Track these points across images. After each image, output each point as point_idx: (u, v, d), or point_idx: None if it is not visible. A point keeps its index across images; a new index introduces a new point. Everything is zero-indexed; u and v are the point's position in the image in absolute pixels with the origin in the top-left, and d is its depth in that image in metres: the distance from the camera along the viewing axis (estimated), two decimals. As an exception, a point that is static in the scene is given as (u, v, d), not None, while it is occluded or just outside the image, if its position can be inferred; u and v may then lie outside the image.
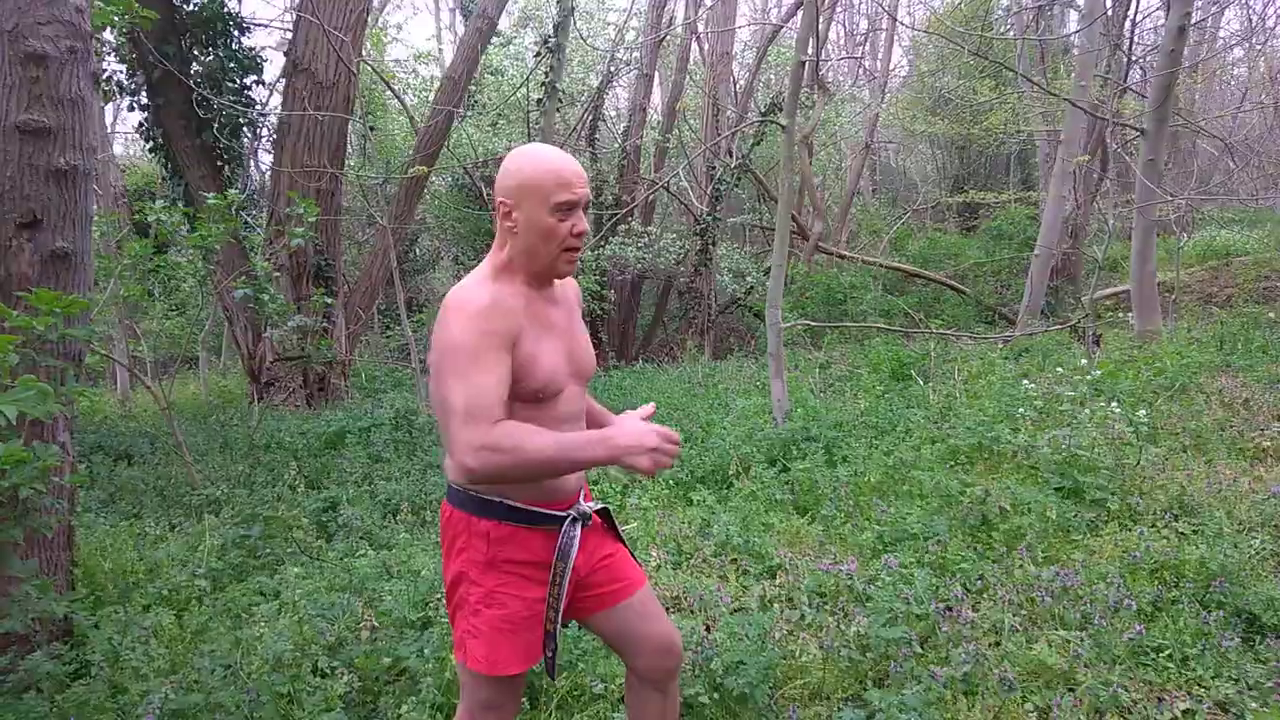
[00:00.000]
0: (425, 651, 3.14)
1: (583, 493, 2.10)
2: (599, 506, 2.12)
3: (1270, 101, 16.46)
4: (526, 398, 1.87)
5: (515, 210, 1.89)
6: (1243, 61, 20.60)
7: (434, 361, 1.82)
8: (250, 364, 9.80)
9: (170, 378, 6.98)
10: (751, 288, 15.17)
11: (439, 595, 3.58)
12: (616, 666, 3.03)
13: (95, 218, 3.95)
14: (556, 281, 2.04)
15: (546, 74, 7.85)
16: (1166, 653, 2.98)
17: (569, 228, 1.88)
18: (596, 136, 15.33)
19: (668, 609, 3.60)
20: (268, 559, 4.57)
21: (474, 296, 1.84)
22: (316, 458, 6.80)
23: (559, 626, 1.98)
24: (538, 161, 1.88)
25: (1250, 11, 20.31)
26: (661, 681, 2.16)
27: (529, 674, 2.40)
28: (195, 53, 9.66)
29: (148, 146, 10.03)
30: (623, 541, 2.20)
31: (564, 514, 1.99)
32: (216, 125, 9.43)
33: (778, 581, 3.76)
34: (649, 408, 2.03)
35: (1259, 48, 18.96)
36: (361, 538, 4.81)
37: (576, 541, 1.98)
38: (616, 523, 2.20)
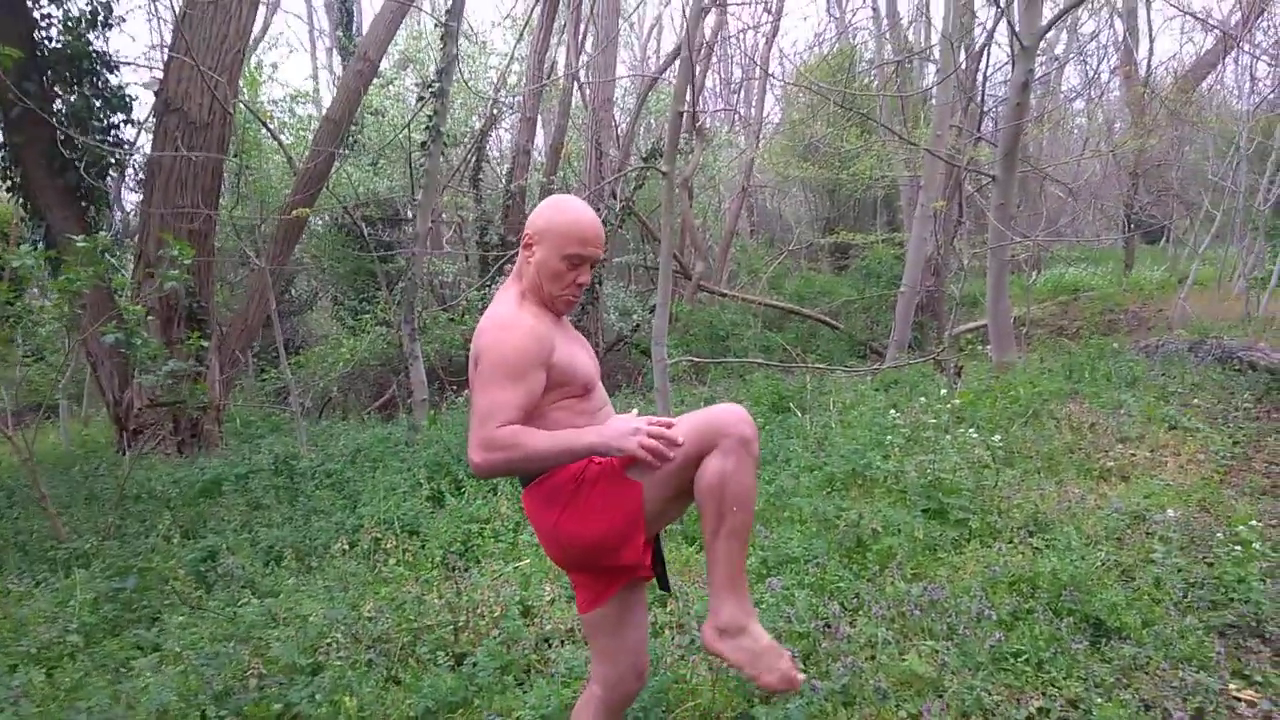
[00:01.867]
0: (316, 696, 3.12)
1: None
2: None
3: (1108, 149, 17.88)
4: (577, 393, 2.20)
5: (536, 245, 2.18)
6: (1082, 113, 22.32)
7: (479, 371, 2.09)
8: (116, 411, 9.33)
9: (30, 427, 6.61)
10: (637, 325, 15.40)
11: (329, 640, 3.55)
12: (514, 701, 3.07)
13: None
14: None
15: (430, 117, 7.90)
16: (1024, 657, 3.22)
17: (573, 278, 2.18)
18: (480, 177, 15.34)
19: (561, 641, 3.67)
20: (144, 611, 4.40)
21: (519, 319, 2.12)
22: (192, 506, 6.54)
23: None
24: (569, 213, 2.17)
25: (1087, 67, 22.12)
26: (620, 709, 2.37)
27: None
28: (59, 90, 9.27)
29: (4, 186, 9.52)
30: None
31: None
32: (83, 165, 9.05)
33: (669, 609, 3.87)
34: (634, 413, 2.28)
35: (1096, 100, 20.63)
36: (244, 586, 4.67)
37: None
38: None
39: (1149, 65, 19.03)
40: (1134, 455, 5.83)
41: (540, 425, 2.13)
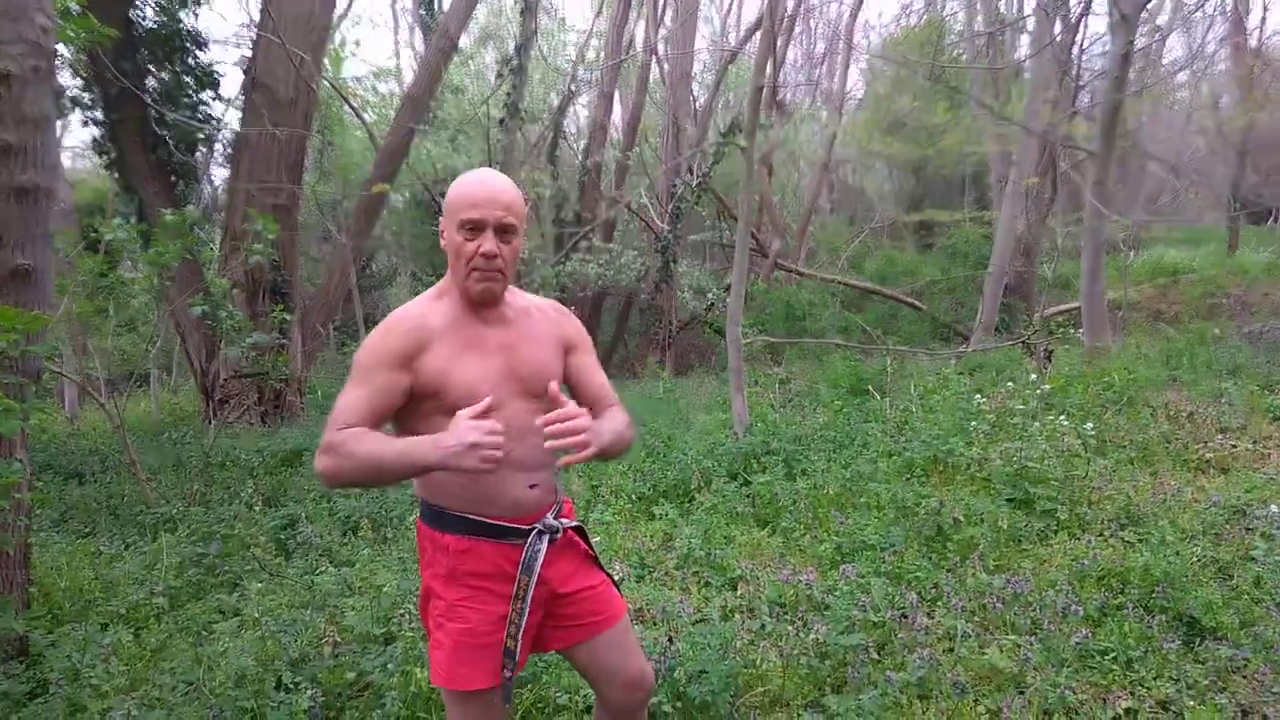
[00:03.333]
0: (389, 666, 3.15)
1: (559, 508, 2.09)
2: (573, 524, 2.12)
3: (1213, 125, 17.00)
4: (448, 411, 1.86)
5: (443, 230, 2.00)
6: (1186, 86, 21.26)
7: None
8: (203, 381, 9.67)
9: (123, 395, 6.88)
10: (712, 304, 15.28)
11: (402, 610, 3.59)
12: (581, 680, 3.06)
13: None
14: (514, 304, 2.08)
15: (509, 93, 7.90)
16: (1112, 655, 3.07)
17: (474, 248, 1.92)
18: (557, 154, 15.40)
19: (632, 620, 3.64)
20: (226, 576, 4.54)
21: (398, 316, 1.95)
22: (273, 475, 6.74)
23: (519, 644, 1.96)
24: (457, 184, 1.96)
25: (1192, 39, 21.04)
26: (630, 713, 2.18)
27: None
28: (152, 69, 9.58)
29: (102, 162, 9.90)
30: (605, 572, 2.21)
31: (528, 528, 2.00)
32: (173, 141, 9.35)
33: (739, 592, 3.81)
34: (555, 387, 1.99)
35: (1201, 73, 19.62)
36: (321, 554, 4.78)
37: (541, 555, 1.98)
38: (590, 540, 2.20)
39: (1260, 35, 17.99)
40: (1235, 447, 5.54)
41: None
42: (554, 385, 1.97)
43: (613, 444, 1.95)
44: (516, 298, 2.10)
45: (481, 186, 1.93)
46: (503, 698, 1.97)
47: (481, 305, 2.00)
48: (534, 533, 2.00)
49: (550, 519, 2.04)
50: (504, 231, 1.93)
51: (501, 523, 1.97)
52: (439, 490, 1.99)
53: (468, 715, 1.98)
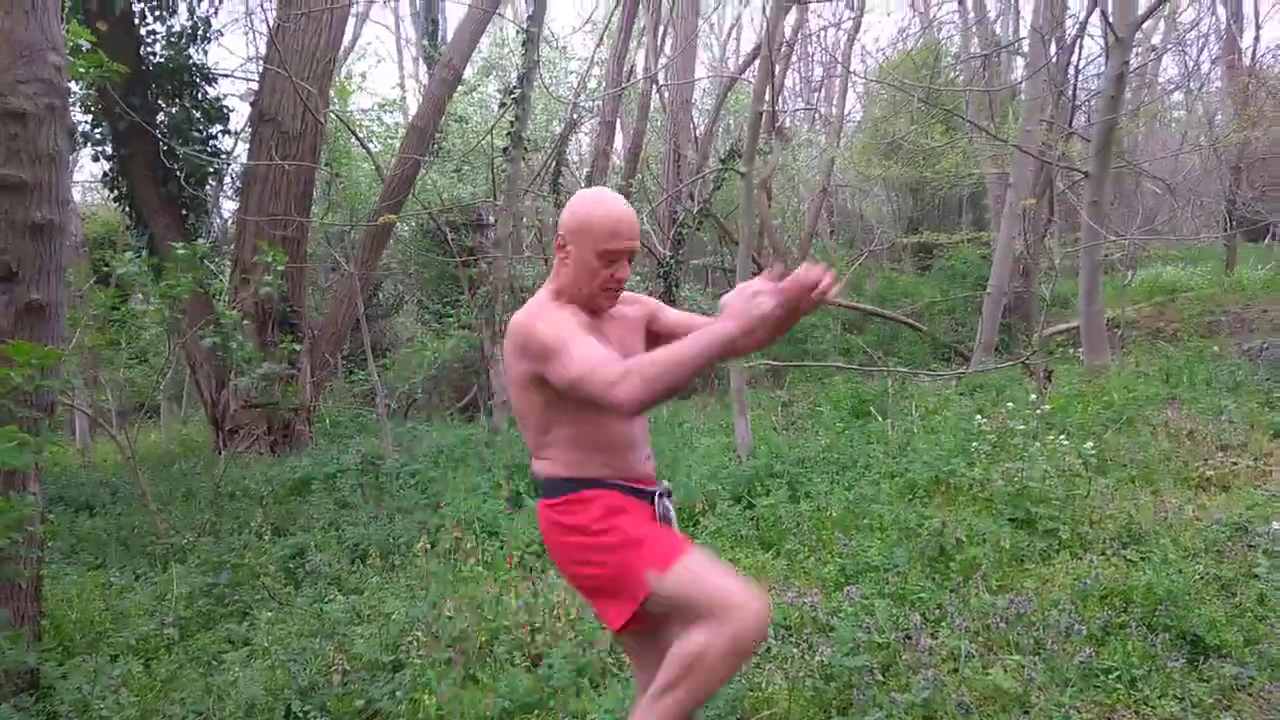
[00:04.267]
0: (397, 694, 3.19)
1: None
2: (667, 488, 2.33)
3: (1208, 143, 17.10)
4: (585, 404, 2.00)
5: (570, 245, 2.13)
6: (1181, 105, 21.40)
7: (527, 364, 2.06)
8: (213, 412, 9.74)
9: (134, 426, 6.93)
10: (714, 329, 15.32)
11: (410, 638, 3.63)
12: (586, 704, 3.09)
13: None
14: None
15: (512, 123, 8.03)
16: (1116, 674, 3.09)
17: (611, 274, 2.11)
18: (560, 182, 15.51)
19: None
20: (236, 606, 4.57)
21: (545, 307, 2.11)
22: (282, 504, 6.79)
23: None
24: (600, 208, 2.10)
25: (1186, 58, 21.22)
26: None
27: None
28: (161, 103, 9.72)
29: (112, 196, 10.04)
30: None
31: (652, 489, 2.23)
32: (183, 175, 9.47)
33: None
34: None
35: (1195, 92, 19.75)
36: (330, 583, 4.82)
37: (672, 510, 2.23)
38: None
39: (1254, 54, 18.10)
40: (1236, 464, 5.55)
41: (557, 432, 2.12)
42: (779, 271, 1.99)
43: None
44: None
45: (627, 218, 2.10)
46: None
47: (597, 311, 2.21)
48: (658, 494, 2.24)
49: (664, 484, 2.31)
50: (632, 257, 2.14)
51: (640, 486, 2.21)
52: (586, 466, 2.16)
53: (700, 564, 2.06)
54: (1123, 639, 3.29)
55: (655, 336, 2.37)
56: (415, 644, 3.57)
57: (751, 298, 1.84)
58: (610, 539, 2.10)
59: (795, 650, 3.37)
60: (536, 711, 3.13)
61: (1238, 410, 6.59)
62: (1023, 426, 5.92)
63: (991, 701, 3.02)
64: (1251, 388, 7.41)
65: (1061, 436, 5.60)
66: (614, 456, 2.17)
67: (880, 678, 3.15)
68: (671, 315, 2.45)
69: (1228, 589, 3.74)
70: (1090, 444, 5.36)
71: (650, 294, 15.28)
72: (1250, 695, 2.97)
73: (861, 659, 3.15)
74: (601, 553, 2.10)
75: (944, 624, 3.57)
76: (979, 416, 6.33)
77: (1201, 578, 3.79)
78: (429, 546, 5.09)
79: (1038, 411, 6.18)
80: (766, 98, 6.79)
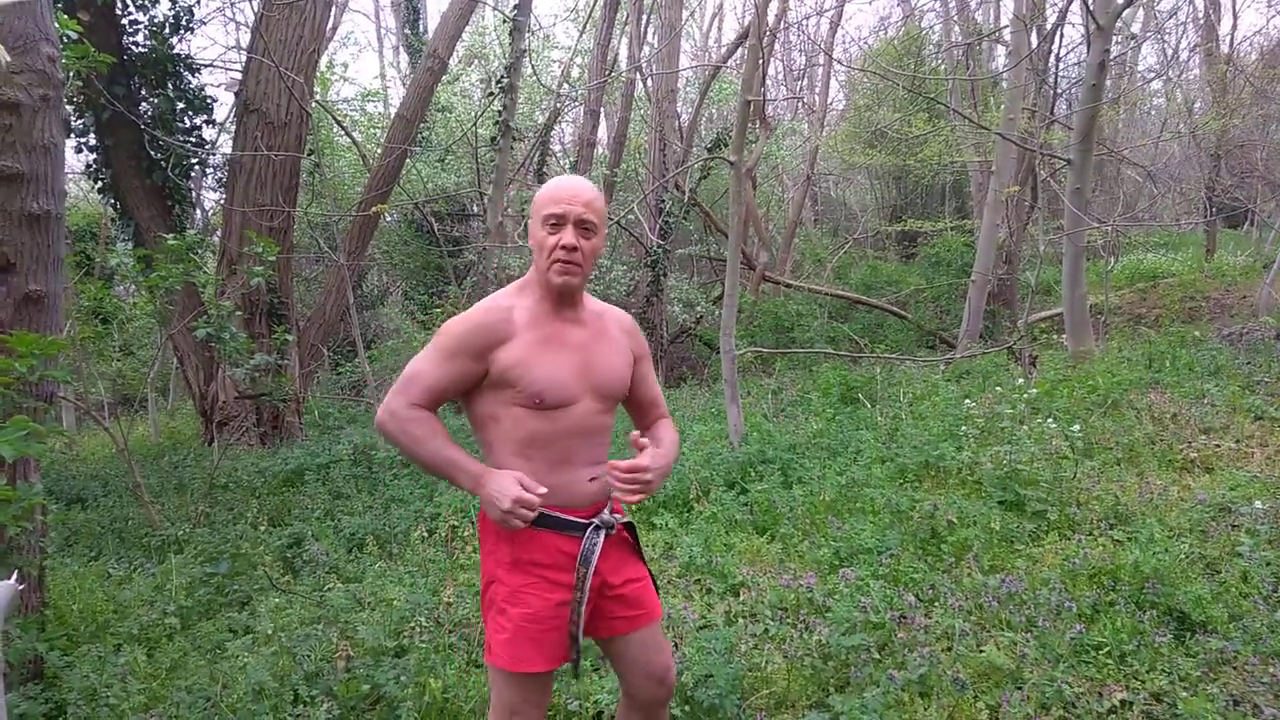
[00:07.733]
0: (402, 678, 3.23)
1: (611, 505, 2.19)
2: (625, 520, 2.24)
3: (1188, 130, 17.26)
4: (525, 403, 2.03)
5: (530, 229, 2.13)
6: (1161, 93, 21.57)
7: None
8: (202, 404, 9.70)
9: (123, 418, 6.92)
10: (701, 317, 15.38)
11: (413, 624, 3.67)
12: (589, 685, 3.15)
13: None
14: (589, 306, 2.22)
15: (499, 112, 8.02)
16: (1105, 650, 3.18)
17: (555, 241, 2.05)
18: (545, 171, 15.48)
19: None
20: (235, 595, 4.59)
21: (481, 306, 2.10)
22: (277, 495, 6.79)
23: (580, 629, 2.07)
24: (544, 186, 2.12)
25: (1166, 46, 21.38)
26: (652, 708, 2.28)
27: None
28: (145, 94, 9.65)
29: (96, 187, 9.94)
30: (647, 567, 2.32)
31: (585, 521, 2.12)
32: (168, 166, 9.41)
33: (741, 598, 3.91)
34: (645, 442, 2.10)
35: (1175, 79, 19.92)
36: (329, 571, 4.85)
37: (598, 549, 2.09)
38: (640, 542, 2.33)
39: (1232, 41, 18.27)
40: (1218, 446, 5.66)
41: (494, 425, 2.08)
42: (640, 437, 2.11)
43: (660, 480, 2.09)
44: (591, 302, 2.25)
45: (567, 185, 2.09)
46: (574, 672, 2.11)
47: (561, 302, 2.12)
48: (591, 528, 2.11)
49: (606, 515, 2.15)
50: (583, 227, 2.07)
51: (563, 515, 2.09)
52: None
53: (524, 693, 2.09)
54: (1112, 616, 3.38)
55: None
56: (418, 629, 3.61)
57: (511, 496, 1.94)
58: (492, 593, 2.13)
59: (793, 631, 3.44)
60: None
61: (1219, 394, 6.70)
62: (1010, 411, 6.01)
63: (986, 677, 3.10)
64: (1232, 372, 7.52)
65: (1048, 420, 5.70)
66: (544, 474, 2.05)
67: (877, 656, 3.22)
68: (642, 370, 2.32)
69: (1212, 567, 3.84)
70: (1076, 427, 5.45)
71: (638, 283, 15.37)
72: (1235, 668, 3.06)
73: (858, 638, 3.21)
74: (487, 588, 2.16)
75: (937, 604, 3.65)
76: (967, 402, 6.41)
77: (1187, 556, 3.89)
78: (426, 535, 5.14)
79: (1024, 396, 6.27)
80: (754, 88, 6.82)
